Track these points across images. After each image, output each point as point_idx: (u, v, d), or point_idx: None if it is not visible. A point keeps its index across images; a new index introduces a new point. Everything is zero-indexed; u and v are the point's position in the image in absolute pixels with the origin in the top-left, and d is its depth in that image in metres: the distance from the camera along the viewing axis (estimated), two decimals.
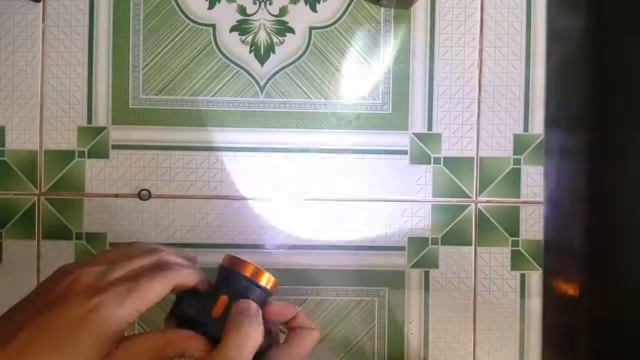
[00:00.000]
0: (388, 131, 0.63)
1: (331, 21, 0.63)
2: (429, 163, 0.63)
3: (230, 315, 0.42)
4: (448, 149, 0.63)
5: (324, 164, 0.63)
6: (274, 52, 0.63)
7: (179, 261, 0.45)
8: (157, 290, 0.40)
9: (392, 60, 0.63)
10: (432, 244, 0.63)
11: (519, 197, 0.64)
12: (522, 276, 0.64)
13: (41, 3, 0.62)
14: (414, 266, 0.63)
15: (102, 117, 0.62)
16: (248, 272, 0.45)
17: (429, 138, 0.63)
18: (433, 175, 0.63)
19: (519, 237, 0.64)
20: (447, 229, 0.63)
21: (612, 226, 0.20)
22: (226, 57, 0.63)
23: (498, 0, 0.64)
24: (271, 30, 0.63)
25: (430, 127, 0.63)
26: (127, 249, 0.44)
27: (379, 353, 0.63)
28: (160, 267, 0.42)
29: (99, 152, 0.62)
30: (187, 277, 0.43)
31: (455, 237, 0.63)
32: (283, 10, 0.63)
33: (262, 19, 0.63)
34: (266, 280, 0.46)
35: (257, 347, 0.40)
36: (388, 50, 0.63)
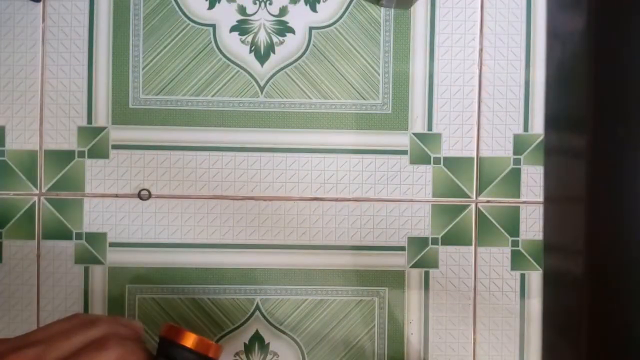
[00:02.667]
0: (388, 131, 0.63)
1: (331, 21, 0.63)
2: (429, 163, 0.63)
3: None
4: (448, 149, 0.63)
5: (324, 164, 0.63)
6: (274, 52, 0.63)
7: (121, 333, 0.43)
8: None
9: (392, 60, 0.63)
10: (432, 244, 0.63)
11: (519, 197, 0.64)
12: (522, 276, 0.64)
13: (41, 3, 0.62)
14: (414, 266, 0.63)
15: (102, 117, 0.62)
16: (189, 343, 0.45)
17: (429, 138, 0.63)
18: (433, 175, 0.63)
19: (519, 237, 0.64)
20: (447, 229, 0.63)
21: (613, 226, 0.20)
22: (226, 57, 0.63)
23: (498, 0, 0.64)
24: (271, 30, 0.63)
25: (430, 127, 0.63)
26: (66, 324, 0.42)
27: (379, 353, 0.63)
28: (98, 346, 0.40)
29: (99, 152, 0.62)
30: (127, 355, 0.41)
31: (455, 237, 0.63)
32: (283, 10, 0.63)
33: (262, 19, 0.63)
34: (208, 349, 0.45)
35: None
36: (388, 50, 0.63)
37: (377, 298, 0.63)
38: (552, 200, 0.22)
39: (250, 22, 0.63)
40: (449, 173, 0.63)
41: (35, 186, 0.62)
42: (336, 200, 0.63)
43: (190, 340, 0.45)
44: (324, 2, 0.63)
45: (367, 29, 0.63)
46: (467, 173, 0.63)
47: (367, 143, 0.63)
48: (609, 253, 0.20)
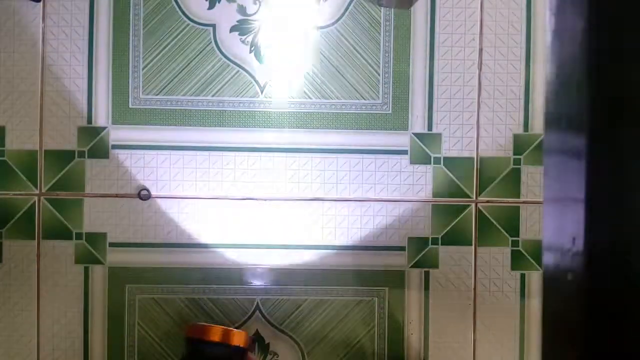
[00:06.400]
0: (388, 131, 0.63)
1: (331, 21, 0.63)
2: (429, 163, 0.63)
3: None
4: (448, 149, 0.63)
5: (324, 164, 0.63)
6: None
7: None
8: None
9: (392, 60, 0.63)
10: (432, 244, 0.63)
11: (519, 197, 0.64)
12: (522, 276, 0.64)
13: (41, 3, 0.62)
14: (414, 266, 0.63)
15: (102, 117, 0.62)
16: (216, 337, 0.46)
17: (429, 138, 0.63)
18: (433, 175, 0.63)
19: (519, 237, 0.64)
20: (447, 229, 0.63)
21: (612, 226, 0.20)
22: (226, 57, 0.63)
23: (498, 0, 0.64)
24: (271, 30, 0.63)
25: (430, 127, 0.63)
26: None
27: (379, 353, 0.63)
28: None
29: (99, 152, 0.62)
30: None
31: (455, 237, 0.63)
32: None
33: (262, 19, 0.63)
34: (236, 338, 0.47)
35: None
36: (388, 50, 0.63)
37: (377, 298, 0.63)
38: (552, 200, 0.22)
39: (250, 22, 0.63)
40: (449, 173, 0.63)
41: (35, 186, 0.62)
42: (336, 200, 0.63)
43: (216, 334, 0.46)
44: (324, 2, 0.63)
45: (367, 29, 0.63)
46: (467, 173, 0.63)
47: (367, 143, 0.63)
48: (608, 253, 0.20)
